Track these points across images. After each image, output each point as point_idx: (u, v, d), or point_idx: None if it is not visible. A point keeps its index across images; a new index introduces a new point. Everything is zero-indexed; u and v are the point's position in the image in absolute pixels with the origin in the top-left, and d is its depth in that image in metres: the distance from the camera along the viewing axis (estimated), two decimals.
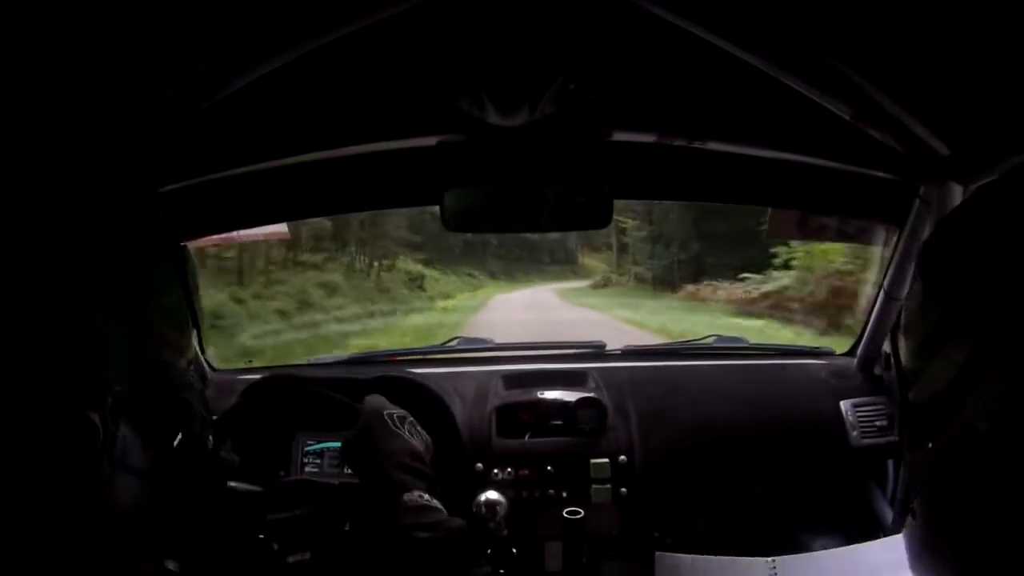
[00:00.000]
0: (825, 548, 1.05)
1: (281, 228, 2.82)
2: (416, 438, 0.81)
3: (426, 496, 0.71)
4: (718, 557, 1.02)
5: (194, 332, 0.58)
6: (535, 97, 0.77)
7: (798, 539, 1.15)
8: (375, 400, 0.85)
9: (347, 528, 0.84)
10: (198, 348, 0.59)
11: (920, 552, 0.51)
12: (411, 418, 0.84)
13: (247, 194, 1.02)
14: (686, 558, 1.03)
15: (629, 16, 0.61)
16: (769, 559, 0.98)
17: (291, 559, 0.78)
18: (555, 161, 1.04)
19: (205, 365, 1.26)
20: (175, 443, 0.54)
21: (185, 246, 0.61)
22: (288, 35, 0.55)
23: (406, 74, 0.80)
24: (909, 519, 0.51)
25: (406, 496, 0.70)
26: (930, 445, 0.49)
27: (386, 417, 0.81)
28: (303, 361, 1.65)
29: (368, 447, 0.78)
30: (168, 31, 0.49)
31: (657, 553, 1.03)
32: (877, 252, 1.37)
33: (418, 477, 0.74)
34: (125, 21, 0.47)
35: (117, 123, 0.52)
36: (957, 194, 0.89)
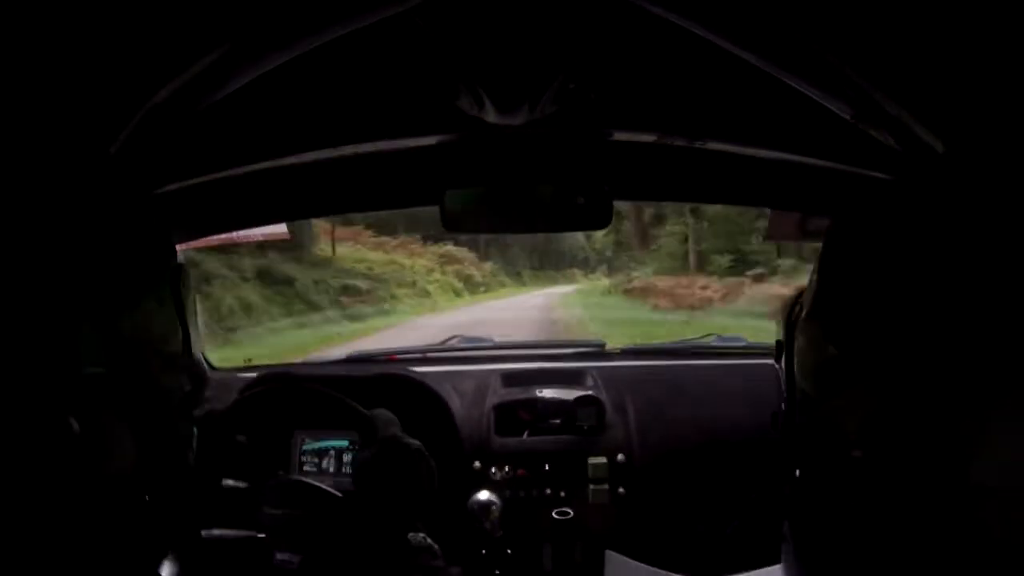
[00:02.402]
0: None
1: (280, 228, 2.83)
2: (426, 476, 0.85)
3: (429, 539, 0.77)
4: (655, 569, 1.03)
5: (180, 328, 0.58)
6: (535, 97, 0.77)
7: None
8: (390, 422, 0.89)
9: (339, 535, 0.85)
10: (192, 346, 0.59)
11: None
12: (425, 452, 0.87)
13: (245, 194, 1.01)
14: (631, 563, 1.05)
15: (629, 16, 0.60)
16: None
17: (278, 556, 0.80)
18: (555, 161, 1.04)
19: (203, 363, 1.26)
20: (166, 436, 0.55)
21: (173, 244, 0.61)
22: (287, 34, 0.55)
23: (405, 74, 0.79)
24: (784, 545, 0.51)
25: (411, 535, 0.75)
26: (799, 471, 0.48)
27: (402, 448, 0.84)
28: (300, 359, 1.65)
29: (383, 477, 0.81)
30: (164, 30, 0.49)
31: (607, 552, 1.04)
32: None
33: (422, 519, 0.79)
34: (120, 19, 0.47)
35: (112, 124, 0.52)
36: (956, 195, 0.89)
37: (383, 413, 0.90)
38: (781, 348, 0.52)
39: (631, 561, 1.04)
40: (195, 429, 0.60)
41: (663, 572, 1.02)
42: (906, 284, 0.41)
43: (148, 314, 0.53)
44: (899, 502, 0.39)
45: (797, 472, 0.48)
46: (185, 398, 0.58)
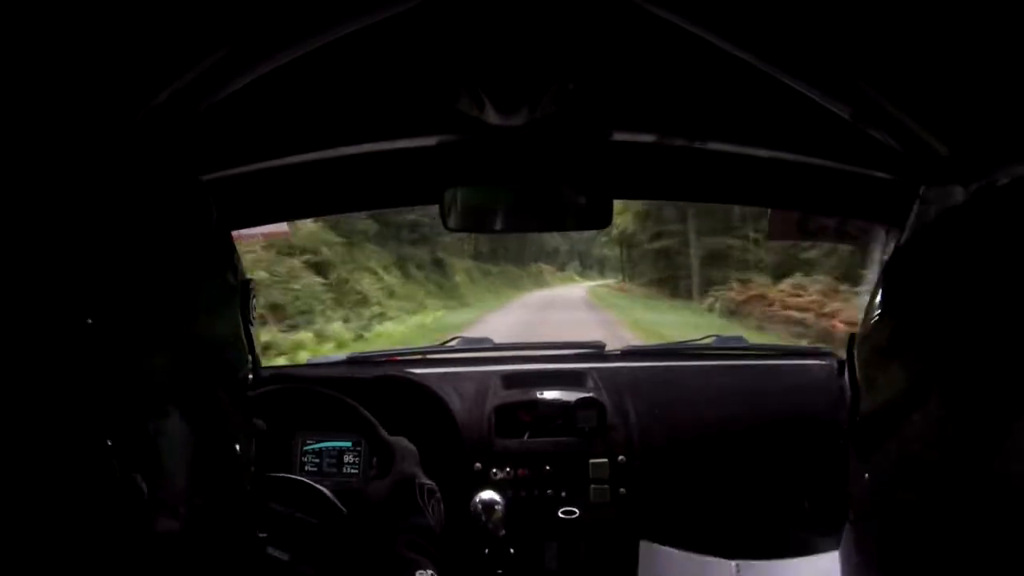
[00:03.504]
0: (823, 547, 1.05)
1: (281, 227, 2.83)
2: (436, 516, 0.85)
3: None
4: (688, 554, 1.03)
5: (244, 334, 0.58)
6: (535, 98, 0.77)
7: (795, 539, 1.15)
8: (410, 456, 0.89)
9: (338, 548, 0.85)
10: (254, 350, 0.60)
11: (852, 569, 0.51)
12: (438, 493, 0.88)
13: (247, 193, 1.02)
14: (664, 549, 1.05)
15: (629, 16, 0.61)
16: (734, 563, 0.99)
17: (270, 551, 0.80)
18: (555, 161, 1.04)
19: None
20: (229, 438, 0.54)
21: (232, 238, 0.61)
22: (288, 35, 0.55)
23: (406, 74, 0.80)
24: (847, 531, 0.51)
25: (418, 573, 0.74)
26: (867, 463, 0.48)
27: (417, 487, 0.85)
28: (302, 361, 1.65)
29: (394, 515, 0.81)
30: (164, 32, 0.49)
31: (642, 542, 1.04)
32: (877, 253, 1.36)
33: (429, 558, 0.77)
34: (122, 20, 0.47)
35: (114, 122, 0.52)
36: (958, 196, 0.89)
37: (404, 445, 0.90)
38: (843, 364, 0.52)
39: (663, 548, 1.04)
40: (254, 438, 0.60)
41: (696, 556, 1.02)
42: (978, 299, 0.40)
43: (211, 312, 0.53)
44: (961, 501, 0.39)
45: (866, 475, 0.49)
46: (247, 399, 0.58)
